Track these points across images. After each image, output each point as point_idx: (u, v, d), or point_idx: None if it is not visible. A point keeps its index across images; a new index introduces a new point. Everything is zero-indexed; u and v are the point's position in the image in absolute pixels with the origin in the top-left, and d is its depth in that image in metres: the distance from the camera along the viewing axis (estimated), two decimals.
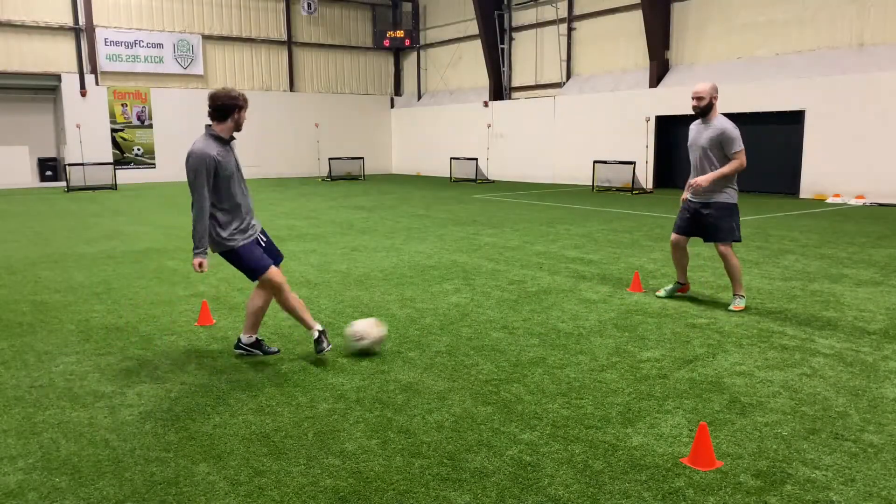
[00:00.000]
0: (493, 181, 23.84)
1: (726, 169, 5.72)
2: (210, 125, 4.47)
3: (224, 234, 4.47)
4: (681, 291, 6.39)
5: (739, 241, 5.90)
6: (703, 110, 5.81)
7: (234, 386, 4.23)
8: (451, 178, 25.00)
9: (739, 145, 5.70)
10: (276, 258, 4.77)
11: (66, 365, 4.65)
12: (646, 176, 19.61)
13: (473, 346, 4.96)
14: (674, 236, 6.20)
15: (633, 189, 18.84)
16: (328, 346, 4.65)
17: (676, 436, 3.46)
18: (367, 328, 4.76)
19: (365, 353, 4.78)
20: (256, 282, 4.66)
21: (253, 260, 4.54)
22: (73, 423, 3.70)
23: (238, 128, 4.52)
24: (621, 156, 20.13)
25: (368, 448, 3.36)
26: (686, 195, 6.08)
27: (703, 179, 5.69)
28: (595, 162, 20.04)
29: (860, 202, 15.03)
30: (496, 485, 3.00)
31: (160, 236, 10.76)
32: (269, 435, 3.52)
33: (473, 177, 24.31)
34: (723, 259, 5.90)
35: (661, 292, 6.36)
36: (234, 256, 4.54)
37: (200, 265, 4.42)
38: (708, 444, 3.13)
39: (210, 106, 4.41)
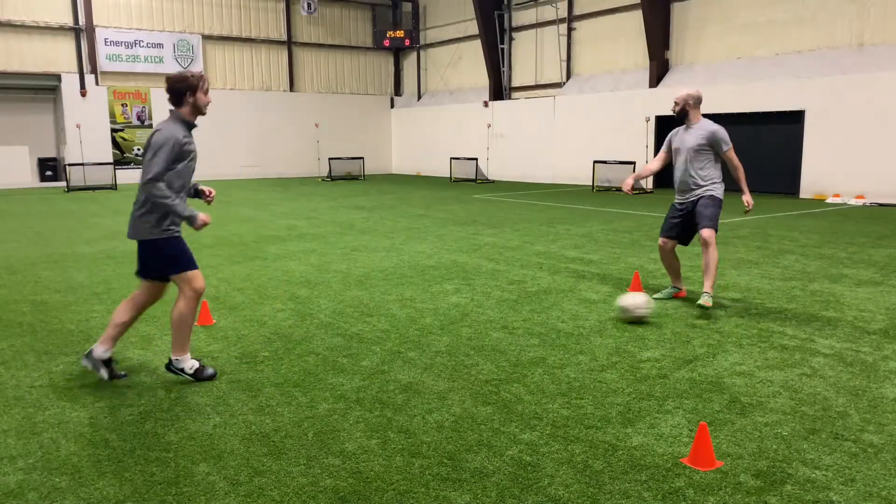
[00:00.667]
0: (493, 181, 23.84)
1: (741, 173, 6.05)
2: (172, 109, 4.26)
3: (166, 220, 4.19)
4: (677, 296, 6.34)
5: (716, 232, 5.97)
6: (680, 116, 6.21)
7: (234, 386, 4.23)
8: (451, 178, 25.00)
9: (730, 143, 6.03)
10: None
11: (66, 365, 4.65)
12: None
13: (473, 346, 4.96)
14: (661, 240, 6.22)
15: (634, 189, 18.85)
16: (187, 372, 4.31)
17: (676, 436, 3.46)
18: (644, 302, 5.46)
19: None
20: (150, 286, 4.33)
21: (186, 253, 4.27)
22: (73, 423, 3.70)
23: (199, 110, 4.27)
24: (621, 156, 20.13)
25: (368, 448, 3.36)
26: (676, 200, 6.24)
27: (750, 200, 6.06)
28: (595, 162, 20.04)
29: (860, 202, 15.03)
30: (496, 485, 3.00)
31: None
32: (269, 435, 3.52)
33: (473, 177, 24.31)
34: (704, 248, 5.83)
35: (658, 295, 6.35)
36: (166, 245, 4.20)
37: (204, 223, 4.21)
38: (708, 444, 3.13)
39: (166, 90, 4.23)
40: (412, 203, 15.82)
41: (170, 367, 4.34)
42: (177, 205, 4.11)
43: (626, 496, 2.90)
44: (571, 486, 2.99)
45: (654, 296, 6.29)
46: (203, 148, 25.54)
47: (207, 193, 4.50)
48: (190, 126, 4.27)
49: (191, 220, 4.19)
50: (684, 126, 6.23)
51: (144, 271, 4.34)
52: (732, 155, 6.01)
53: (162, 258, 4.23)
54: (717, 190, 6.02)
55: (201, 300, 4.30)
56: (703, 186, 5.99)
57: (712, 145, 5.97)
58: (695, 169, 6.01)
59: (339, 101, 28.69)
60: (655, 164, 6.39)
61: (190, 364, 4.33)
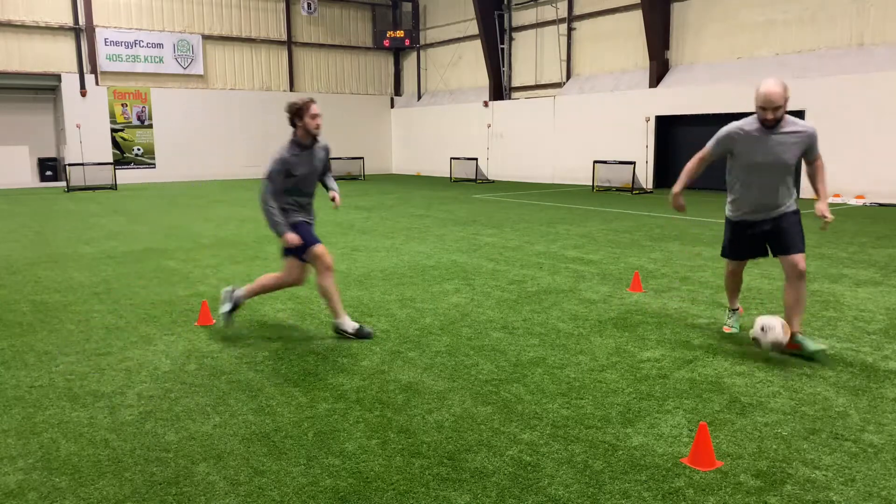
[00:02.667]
0: (493, 181, 23.84)
1: (826, 184, 4.85)
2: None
3: (288, 216, 5.09)
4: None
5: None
6: (777, 120, 4.66)
7: (234, 386, 4.23)
8: (451, 178, 25.00)
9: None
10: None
11: (66, 365, 4.65)
12: (646, 176, 19.62)
13: (473, 346, 4.96)
14: (733, 265, 5.05)
15: (633, 189, 18.85)
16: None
17: (676, 436, 3.46)
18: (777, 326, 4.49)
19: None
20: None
21: (307, 237, 5.11)
22: (73, 423, 3.70)
23: (309, 132, 5.04)
24: (621, 156, 20.13)
25: (368, 448, 3.36)
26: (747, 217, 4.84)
27: (827, 210, 4.66)
28: (595, 162, 20.04)
29: (860, 202, 15.03)
30: (496, 485, 3.00)
31: (160, 236, 10.76)
32: (269, 435, 3.52)
33: (473, 177, 24.31)
34: (797, 279, 4.59)
35: (731, 329, 5.21)
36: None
37: (287, 241, 4.97)
38: (708, 444, 3.13)
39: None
40: (412, 203, 15.82)
41: (336, 330, 5.23)
42: (275, 216, 4.97)
43: (626, 496, 2.90)
44: (571, 486, 2.99)
45: (728, 328, 5.24)
46: (204, 148, 25.62)
47: (332, 199, 5.40)
48: (303, 146, 5.08)
49: (279, 234, 5.02)
50: (758, 127, 4.67)
51: (285, 252, 5.19)
52: (821, 160, 4.83)
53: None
54: (796, 201, 4.83)
55: (331, 272, 5.15)
56: (787, 202, 4.76)
57: (807, 152, 4.71)
58: (787, 184, 4.72)
59: (339, 101, 28.69)
60: (701, 167, 5.19)
61: (350, 326, 5.18)
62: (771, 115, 4.56)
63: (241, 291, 5.40)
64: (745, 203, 4.81)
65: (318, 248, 5.10)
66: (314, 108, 5.06)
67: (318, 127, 5.07)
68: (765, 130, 4.65)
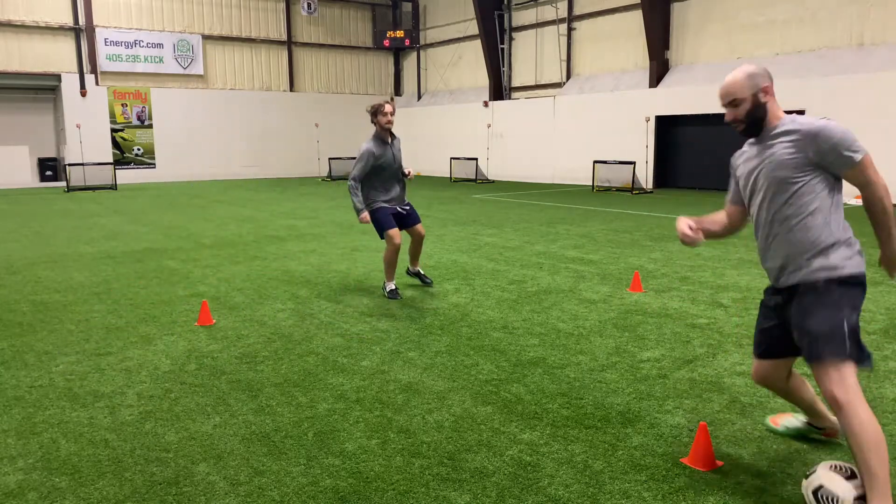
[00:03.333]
0: (493, 181, 23.84)
1: (887, 218, 2.90)
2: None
3: (370, 200, 6.41)
4: (826, 436, 3.34)
5: (861, 362, 2.73)
6: (751, 122, 2.93)
7: (234, 386, 4.23)
8: (451, 178, 25.00)
9: (859, 148, 2.79)
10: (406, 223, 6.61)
11: (66, 365, 4.65)
12: (646, 176, 19.62)
13: (473, 346, 4.96)
14: (755, 364, 3.15)
15: (633, 189, 18.85)
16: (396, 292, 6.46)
17: (676, 436, 3.46)
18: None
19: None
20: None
21: (380, 221, 6.38)
22: (73, 423, 3.70)
23: (382, 128, 6.31)
24: (621, 156, 20.13)
25: (368, 448, 3.36)
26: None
27: (891, 264, 2.97)
28: (595, 162, 20.04)
29: (860, 202, 15.01)
30: (496, 485, 3.00)
31: (160, 236, 10.76)
32: (269, 435, 3.52)
33: (473, 177, 24.31)
34: (835, 409, 2.65)
35: (781, 426, 3.45)
36: (371, 215, 6.40)
37: (363, 220, 6.31)
38: (708, 444, 3.13)
39: None
40: (412, 203, 15.82)
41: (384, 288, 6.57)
42: (355, 199, 6.27)
43: (626, 496, 2.90)
44: (571, 486, 2.99)
45: (777, 425, 3.48)
46: (204, 148, 25.63)
47: (407, 174, 6.62)
48: (383, 140, 6.34)
49: (357, 213, 6.30)
50: (751, 141, 3.04)
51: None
52: (870, 174, 2.82)
53: (374, 223, 6.45)
54: (839, 261, 2.80)
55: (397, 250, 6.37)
56: (805, 257, 2.82)
57: (818, 161, 2.77)
58: (805, 226, 2.82)
59: (339, 101, 28.69)
60: (723, 218, 3.31)
61: (389, 288, 6.49)
62: (730, 114, 2.94)
63: (410, 267, 6.95)
64: (761, 259, 3.06)
65: (390, 232, 6.34)
66: (386, 108, 6.26)
67: (388, 123, 6.25)
68: (757, 144, 2.97)
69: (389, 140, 6.35)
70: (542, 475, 3.08)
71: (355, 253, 9.03)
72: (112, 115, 24.06)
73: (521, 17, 24.46)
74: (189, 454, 3.32)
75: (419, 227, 6.65)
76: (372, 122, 6.31)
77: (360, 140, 29.38)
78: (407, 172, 6.57)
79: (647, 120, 19.29)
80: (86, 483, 3.06)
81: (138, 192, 19.91)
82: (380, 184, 6.39)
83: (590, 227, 11.49)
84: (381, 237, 6.44)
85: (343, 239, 10.31)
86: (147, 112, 24.66)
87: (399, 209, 6.54)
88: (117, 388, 4.21)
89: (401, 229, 6.46)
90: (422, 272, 6.97)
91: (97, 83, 23.66)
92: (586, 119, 21.42)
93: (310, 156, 27.61)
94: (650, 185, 19.56)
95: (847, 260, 2.80)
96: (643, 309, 5.98)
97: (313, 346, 5.00)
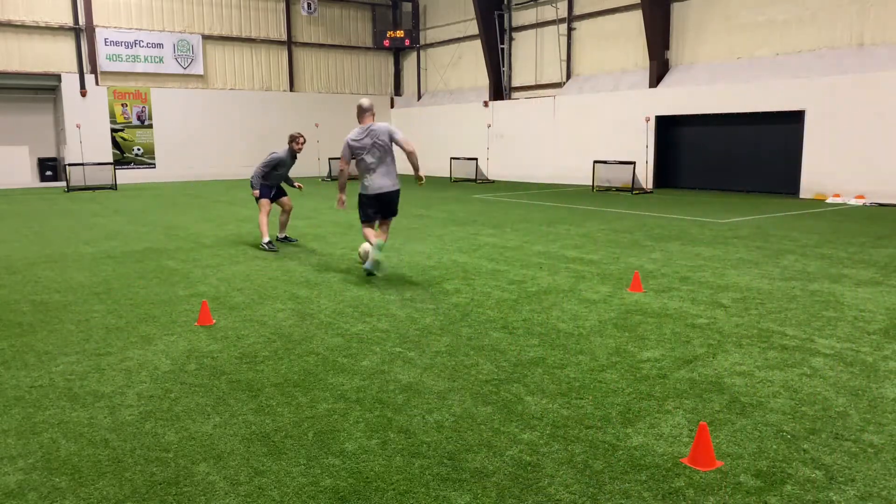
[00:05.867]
0: (493, 181, 23.84)
1: None
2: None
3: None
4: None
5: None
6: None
7: (234, 386, 4.23)
8: (451, 178, 25.00)
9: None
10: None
11: (66, 365, 4.65)
12: (646, 176, 19.62)
13: (473, 346, 4.96)
14: (369, 225, 7.04)
15: (633, 189, 18.85)
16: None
17: (676, 436, 3.46)
18: None
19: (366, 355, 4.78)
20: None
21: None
22: (73, 423, 3.70)
23: (293, 151, 9.66)
24: (621, 156, 20.13)
25: (368, 448, 3.36)
26: None
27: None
28: (595, 162, 20.04)
29: (860, 202, 15.03)
30: (496, 485, 3.00)
31: (160, 236, 10.76)
32: (269, 435, 3.52)
33: (473, 177, 24.31)
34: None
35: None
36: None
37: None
38: (708, 444, 3.13)
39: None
40: (412, 203, 15.81)
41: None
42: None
43: (626, 496, 2.90)
44: (571, 486, 2.99)
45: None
46: (204, 148, 25.63)
47: (296, 185, 10.41)
48: (292, 156, 9.69)
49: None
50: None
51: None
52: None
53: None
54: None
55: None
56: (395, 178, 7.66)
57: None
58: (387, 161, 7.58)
59: (339, 101, 28.69)
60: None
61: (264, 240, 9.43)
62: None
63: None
64: (372, 180, 7.53)
65: (262, 200, 9.77)
66: (300, 140, 9.59)
67: (298, 150, 9.66)
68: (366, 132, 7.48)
69: (293, 159, 9.71)
70: (542, 475, 3.08)
71: (355, 252, 9.03)
72: (112, 115, 24.06)
73: (521, 17, 24.46)
74: (189, 454, 3.32)
75: (285, 199, 9.98)
76: (289, 143, 9.51)
77: None
78: (296, 185, 10.42)
79: (647, 120, 19.29)
80: (86, 483, 3.06)
81: (138, 192, 19.91)
82: (273, 177, 9.75)
83: (590, 227, 11.49)
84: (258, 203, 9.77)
85: (343, 239, 10.31)
86: (147, 112, 24.65)
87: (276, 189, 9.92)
88: (117, 388, 4.21)
89: (272, 202, 9.80)
90: (289, 237, 10.28)
91: (97, 83, 23.66)
92: (586, 119, 21.42)
93: (310, 156, 27.57)
94: (650, 185, 19.55)
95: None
96: (643, 309, 5.98)
97: (313, 346, 5.00)
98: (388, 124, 7.40)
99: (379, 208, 7.50)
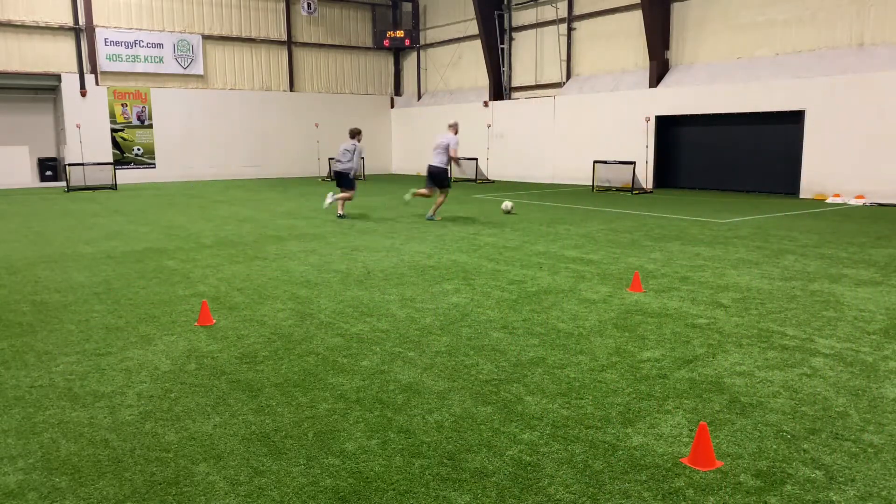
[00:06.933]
0: (493, 181, 23.84)
1: None
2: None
3: None
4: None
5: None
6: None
7: (234, 386, 4.23)
8: (451, 178, 24.97)
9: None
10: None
11: (66, 365, 4.65)
12: (646, 176, 19.62)
13: (473, 346, 4.96)
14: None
15: (633, 189, 18.85)
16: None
17: (676, 436, 3.46)
18: None
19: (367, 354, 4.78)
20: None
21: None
22: (73, 423, 3.70)
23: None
24: (621, 156, 20.13)
25: (368, 448, 3.36)
26: None
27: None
28: (595, 162, 20.04)
29: (860, 202, 15.03)
30: (496, 485, 3.00)
31: (160, 236, 10.76)
32: (269, 435, 3.52)
33: (473, 177, 24.30)
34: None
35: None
36: None
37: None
38: (708, 444, 3.13)
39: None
40: (412, 203, 15.81)
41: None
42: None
43: (626, 496, 2.90)
44: (571, 486, 2.99)
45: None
46: (204, 148, 25.63)
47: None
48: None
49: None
50: None
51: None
52: None
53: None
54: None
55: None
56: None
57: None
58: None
59: (339, 101, 28.69)
60: None
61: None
62: None
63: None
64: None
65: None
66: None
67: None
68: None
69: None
70: (542, 475, 3.08)
71: (355, 252, 9.03)
72: (112, 115, 24.06)
73: (521, 17, 24.46)
74: (189, 454, 3.32)
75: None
76: (356, 136, 12.83)
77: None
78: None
79: (647, 120, 19.29)
80: (86, 483, 3.06)
81: (138, 192, 19.91)
82: None
83: (590, 227, 11.49)
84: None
85: (343, 239, 10.31)
86: (147, 112, 24.65)
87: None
88: (117, 388, 4.21)
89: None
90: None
91: (97, 83, 23.66)
92: (586, 119, 21.42)
93: (310, 156, 27.60)
94: (650, 185, 19.55)
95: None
96: (643, 309, 5.98)
97: (313, 346, 5.00)
98: (452, 136, 12.27)
99: (431, 180, 12.68)
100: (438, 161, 12.24)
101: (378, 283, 7.18)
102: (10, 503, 2.90)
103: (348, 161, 12.79)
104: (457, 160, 12.19)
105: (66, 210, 15.09)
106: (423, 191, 12.65)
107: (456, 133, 12.39)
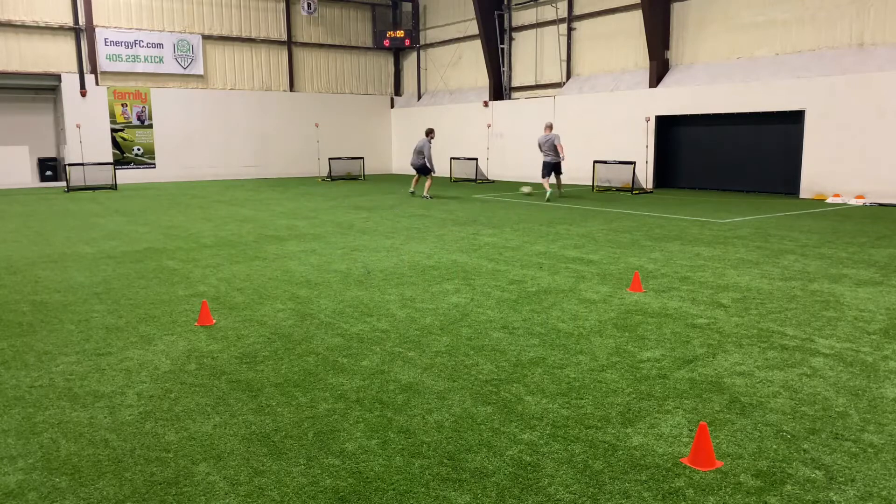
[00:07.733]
0: (493, 181, 23.84)
1: None
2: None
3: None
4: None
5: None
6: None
7: (234, 386, 4.23)
8: (451, 178, 25.00)
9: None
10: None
11: (66, 365, 4.65)
12: (646, 176, 19.62)
13: (473, 346, 4.96)
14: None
15: (633, 189, 18.84)
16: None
17: (676, 436, 3.46)
18: None
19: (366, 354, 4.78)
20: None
21: None
22: (73, 423, 3.70)
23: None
24: (621, 156, 20.13)
25: (368, 448, 3.36)
26: None
27: None
28: (595, 162, 20.04)
29: (860, 202, 15.03)
30: (496, 485, 3.00)
31: (160, 236, 10.76)
32: (269, 435, 3.52)
33: (473, 177, 24.30)
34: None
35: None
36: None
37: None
38: (708, 444, 3.13)
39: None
40: (412, 203, 15.81)
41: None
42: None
43: (626, 496, 2.90)
44: (571, 486, 2.99)
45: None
46: (204, 148, 25.63)
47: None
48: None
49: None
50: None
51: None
52: None
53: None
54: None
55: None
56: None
57: None
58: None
59: (339, 101, 28.69)
60: None
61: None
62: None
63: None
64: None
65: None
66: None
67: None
68: None
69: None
70: (542, 475, 3.08)
71: (355, 252, 9.03)
72: (112, 115, 24.05)
73: (521, 17, 24.46)
74: (189, 454, 3.32)
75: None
76: (430, 135, 15.57)
77: (360, 140, 29.59)
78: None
79: (647, 120, 19.28)
80: (86, 483, 3.06)
81: (138, 192, 19.91)
82: None
83: (590, 227, 11.49)
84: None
85: (343, 239, 10.31)
86: (147, 112, 24.65)
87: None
88: (117, 388, 4.22)
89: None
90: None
91: (97, 83, 23.65)
92: (586, 119, 21.41)
93: (310, 156, 27.60)
94: (650, 185, 19.55)
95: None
96: (643, 309, 5.98)
97: (313, 346, 5.00)
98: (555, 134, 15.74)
99: (549, 169, 16.56)
100: (551, 156, 16.71)
101: (378, 283, 7.18)
102: (10, 503, 2.90)
103: (420, 158, 17.00)
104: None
105: (66, 210, 15.09)
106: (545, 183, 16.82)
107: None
